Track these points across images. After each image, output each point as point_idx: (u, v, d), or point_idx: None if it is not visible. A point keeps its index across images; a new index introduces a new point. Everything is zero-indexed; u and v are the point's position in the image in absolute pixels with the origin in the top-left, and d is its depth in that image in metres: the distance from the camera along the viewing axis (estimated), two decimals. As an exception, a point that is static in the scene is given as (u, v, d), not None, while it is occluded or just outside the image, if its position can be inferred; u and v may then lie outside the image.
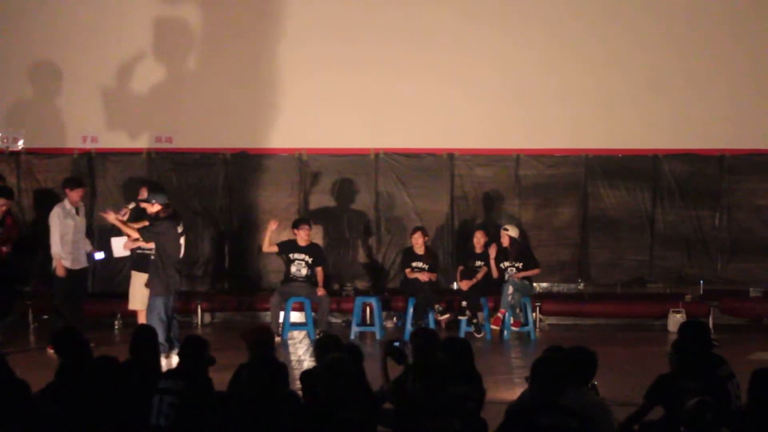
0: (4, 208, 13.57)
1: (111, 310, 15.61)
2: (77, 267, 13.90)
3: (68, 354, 8.07)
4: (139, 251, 13.55)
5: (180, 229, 13.10)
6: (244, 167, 16.63)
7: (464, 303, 15.21)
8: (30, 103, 16.59)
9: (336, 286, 16.29)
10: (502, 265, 15.45)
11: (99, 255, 14.25)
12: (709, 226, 16.53)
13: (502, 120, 16.57)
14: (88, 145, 16.54)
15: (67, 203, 13.80)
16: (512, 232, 15.50)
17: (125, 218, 13.37)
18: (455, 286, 15.85)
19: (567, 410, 6.75)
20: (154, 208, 12.94)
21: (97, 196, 16.22)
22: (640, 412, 7.92)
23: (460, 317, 15.20)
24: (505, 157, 16.62)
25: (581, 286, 16.76)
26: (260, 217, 16.49)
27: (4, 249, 13.41)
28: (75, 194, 13.85)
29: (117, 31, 16.49)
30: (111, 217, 12.96)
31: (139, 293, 13.32)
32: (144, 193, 13.48)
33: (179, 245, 13.07)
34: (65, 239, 13.66)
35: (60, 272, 13.66)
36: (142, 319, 13.19)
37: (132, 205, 13.81)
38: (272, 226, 15.00)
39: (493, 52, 16.50)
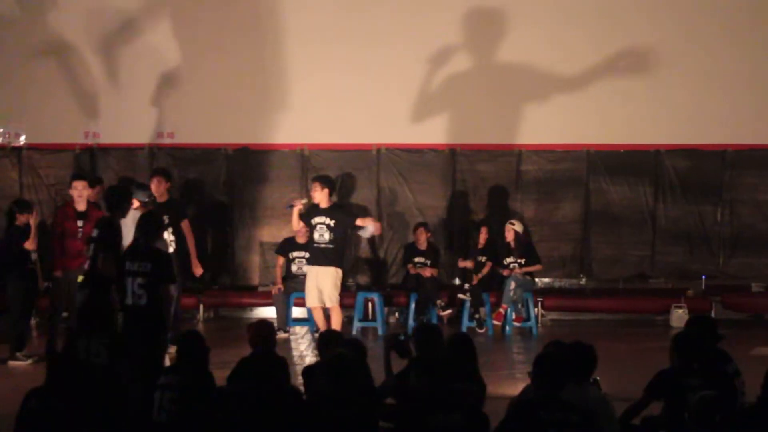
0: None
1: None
2: None
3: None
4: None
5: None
6: (245, 163, 16.64)
7: (465, 285, 15.30)
8: (32, 98, 16.58)
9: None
10: (505, 260, 15.48)
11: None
12: (710, 221, 16.54)
13: (504, 115, 16.56)
14: (90, 141, 16.54)
15: None
16: (518, 227, 15.53)
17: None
18: (457, 281, 15.86)
19: (568, 405, 6.75)
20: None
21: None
22: (639, 405, 7.91)
23: (462, 297, 15.28)
24: (506, 153, 16.62)
25: (583, 281, 16.76)
26: (262, 213, 16.51)
27: None
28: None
29: (120, 25, 16.48)
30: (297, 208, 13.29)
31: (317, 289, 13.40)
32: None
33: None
34: None
35: None
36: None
37: (305, 200, 13.73)
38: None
39: (495, 48, 16.48)
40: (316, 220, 13.42)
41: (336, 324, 13.20)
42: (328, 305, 13.37)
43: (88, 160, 16.47)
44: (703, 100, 16.44)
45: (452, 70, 16.51)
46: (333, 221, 13.39)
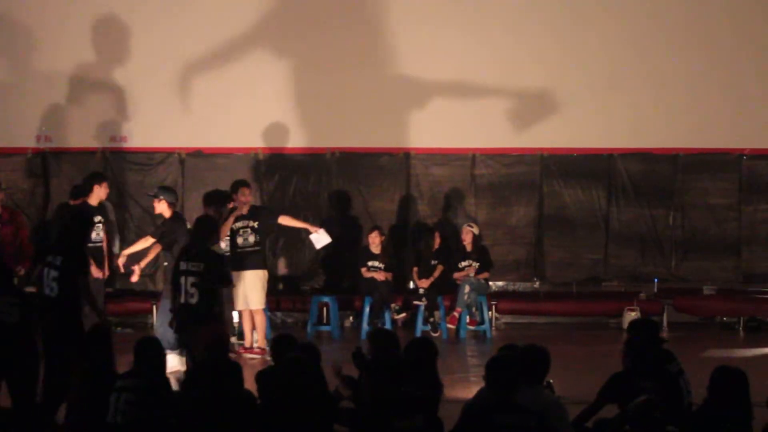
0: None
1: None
2: None
3: None
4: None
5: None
6: (199, 166, 16.56)
7: (420, 290, 15.25)
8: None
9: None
10: (460, 264, 15.51)
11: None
12: (663, 224, 16.66)
13: (458, 119, 16.57)
14: (42, 145, 16.41)
15: None
16: (476, 230, 15.59)
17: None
18: (411, 285, 15.85)
19: (523, 408, 6.78)
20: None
21: (51, 195, 16.09)
22: (592, 409, 7.95)
23: (417, 303, 15.24)
24: (461, 157, 16.67)
25: (537, 284, 16.84)
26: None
27: None
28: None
29: (70, 28, 16.36)
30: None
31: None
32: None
33: None
34: None
35: None
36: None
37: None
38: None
39: (448, 50, 16.48)
40: (238, 224, 13.43)
41: (260, 327, 13.27)
42: (253, 308, 13.41)
43: (40, 164, 16.33)
44: (655, 104, 16.55)
45: (406, 74, 16.50)
46: (257, 223, 13.45)
